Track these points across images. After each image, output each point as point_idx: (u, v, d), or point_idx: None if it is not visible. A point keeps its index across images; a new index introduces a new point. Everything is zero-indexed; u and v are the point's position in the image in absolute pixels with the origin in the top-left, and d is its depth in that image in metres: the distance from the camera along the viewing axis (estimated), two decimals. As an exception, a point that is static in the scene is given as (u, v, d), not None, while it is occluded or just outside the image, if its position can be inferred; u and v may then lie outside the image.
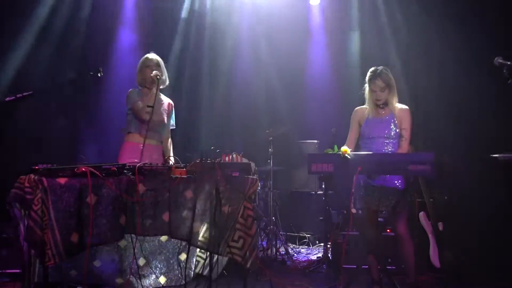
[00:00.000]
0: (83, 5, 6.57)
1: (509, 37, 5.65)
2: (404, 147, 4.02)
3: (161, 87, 4.34)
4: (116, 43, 6.71)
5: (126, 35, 6.70)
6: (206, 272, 4.27)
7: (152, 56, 4.36)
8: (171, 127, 4.51)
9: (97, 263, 3.79)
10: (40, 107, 6.20)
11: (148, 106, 4.03)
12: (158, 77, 4.14)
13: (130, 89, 4.35)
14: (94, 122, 6.33)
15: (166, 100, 4.46)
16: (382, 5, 6.88)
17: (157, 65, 4.29)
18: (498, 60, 3.60)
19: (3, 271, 4.49)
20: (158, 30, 6.89)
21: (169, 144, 4.49)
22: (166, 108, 4.42)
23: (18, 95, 3.67)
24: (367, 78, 4.08)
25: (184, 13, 7.03)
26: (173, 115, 4.51)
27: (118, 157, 4.22)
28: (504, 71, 3.56)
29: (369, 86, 4.06)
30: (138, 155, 4.00)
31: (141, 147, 4.04)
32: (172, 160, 3.85)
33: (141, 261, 3.87)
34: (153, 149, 4.26)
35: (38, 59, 6.27)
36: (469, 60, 6.00)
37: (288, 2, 7.13)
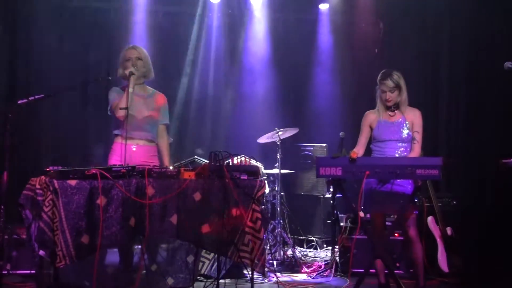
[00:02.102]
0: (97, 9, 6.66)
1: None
2: (417, 150, 4.02)
3: (143, 80, 4.05)
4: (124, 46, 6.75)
5: (139, 39, 6.73)
6: (212, 272, 4.30)
7: (134, 47, 4.05)
8: (164, 122, 4.15)
9: (109, 269, 3.82)
10: (51, 109, 6.28)
11: (121, 109, 3.76)
12: (131, 73, 3.81)
13: (112, 88, 4.05)
14: (104, 124, 6.37)
15: (155, 95, 4.13)
16: (390, 9, 6.89)
17: (138, 58, 3.96)
18: (508, 64, 3.61)
19: (15, 272, 4.53)
20: (170, 34, 6.93)
21: (164, 142, 4.13)
22: (155, 103, 4.08)
23: (30, 98, 3.71)
24: (378, 79, 4.09)
25: (195, 21, 7.07)
26: (166, 111, 4.16)
27: (108, 160, 3.99)
28: (514, 75, 3.56)
29: (380, 87, 4.07)
30: (123, 157, 3.78)
31: (132, 149, 3.85)
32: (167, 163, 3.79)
33: (153, 267, 3.90)
34: (141, 149, 3.97)
35: (51, 63, 6.34)
36: (481, 62, 5.98)
37: (296, 7, 7.16)
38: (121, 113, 3.79)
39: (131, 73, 3.83)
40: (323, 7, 7.33)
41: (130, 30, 6.78)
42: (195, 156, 5.72)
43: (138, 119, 3.94)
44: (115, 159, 3.91)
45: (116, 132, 4.00)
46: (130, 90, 3.80)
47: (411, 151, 4.03)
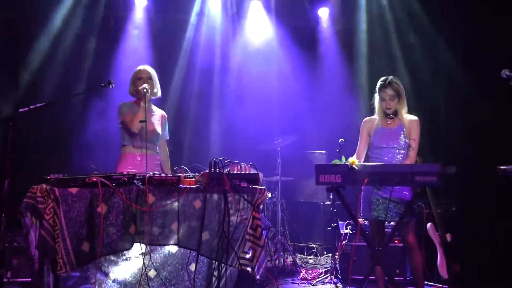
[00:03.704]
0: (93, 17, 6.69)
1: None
2: (412, 158, 4.04)
3: (152, 98, 4.43)
4: (124, 55, 6.78)
5: (135, 48, 6.76)
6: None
7: (145, 68, 4.42)
8: (165, 138, 4.56)
9: (108, 275, 3.80)
10: (51, 118, 6.29)
11: (141, 121, 4.13)
12: (146, 90, 4.18)
13: (121, 102, 4.39)
14: (104, 132, 6.39)
15: (158, 112, 4.52)
16: (389, 17, 6.92)
17: (149, 77, 4.35)
18: (505, 72, 3.63)
19: (14, 279, 4.54)
20: (166, 45, 6.96)
21: (165, 155, 4.54)
22: (159, 119, 4.47)
23: (31, 106, 3.72)
24: (377, 87, 4.11)
25: (190, 29, 7.11)
26: (166, 126, 4.56)
27: (116, 170, 4.24)
28: (511, 83, 3.58)
29: (379, 94, 4.10)
30: (135, 166, 4.12)
31: (137, 158, 4.19)
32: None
33: (151, 273, 3.89)
34: (150, 159, 4.30)
35: (51, 72, 6.37)
36: (478, 71, 6.00)
37: (295, 13, 7.20)
38: (138, 126, 4.15)
39: (146, 90, 4.18)
40: (323, 13, 7.34)
41: (128, 37, 6.81)
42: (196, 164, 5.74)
43: (148, 132, 4.22)
44: (123, 168, 4.12)
45: (126, 143, 4.30)
46: (146, 105, 4.17)
47: (406, 158, 4.05)
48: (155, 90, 4.38)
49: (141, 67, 4.43)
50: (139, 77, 4.34)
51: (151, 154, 4.31)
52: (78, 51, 6.55)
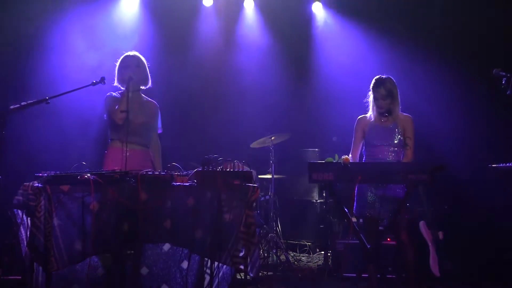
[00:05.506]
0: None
1: (508, 47, 5.69)
2: (409, 156, 4.05)
3: (142, 87, 4.14)
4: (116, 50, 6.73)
5: (128, 43, 6.72)
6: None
7: (133, 54, 4.12)
8: (158, 130, 4.25)
9: (100, 272, 3.79)
10: (41, 115, 6.24)
11: (122, 112, 3.79)
12: (130, 78, 3.88)
13: (107, 94, 4.09)
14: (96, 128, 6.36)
15: (149, 102, 4.21)
16: (383, 15, 6.91)
17: (137, 65, 4.05)
18: (497, 71, 3.65)
19: (6, 277, 4.50)
20: (164, 38, 6.93)
21: (156, 149, 4.23)
22: (149, 110, 4.17)
23: (22, 103, 3.69)
24: (371, 85, 4.13)
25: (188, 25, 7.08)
26: (159, 119, 4.24)
27: (103, 165, 4.00)
28: (503, 82, 3.61)
29: (373, 93, 4.11)
30: (120, 161, 3.79)
31: (123, 153, 3.79)
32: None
33: (144, 270, 3.88)
34: (136, 153, 3.99)
35: (43, 68, 6.32)
36: (469, 70, 6.03)
37: (290, 8, 7.18)
38: (120, 116, 3.82)
39: (130, 78, 3.88)
40: (316, 8, 7.31)
41: (124, 37, 6.77)
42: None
43: (134, 124, 3.96)
44: (110, 165, 3.90)
45: (112, 136, 4.03)
46: (130, 94, 3.83)
47: (404, 157, 4.06)
48: (142, 78, 4.09)
49: (128, 53, 4.12)
50: (126, 65, 4.04)
51: (139, 149, 4.03)
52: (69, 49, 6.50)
